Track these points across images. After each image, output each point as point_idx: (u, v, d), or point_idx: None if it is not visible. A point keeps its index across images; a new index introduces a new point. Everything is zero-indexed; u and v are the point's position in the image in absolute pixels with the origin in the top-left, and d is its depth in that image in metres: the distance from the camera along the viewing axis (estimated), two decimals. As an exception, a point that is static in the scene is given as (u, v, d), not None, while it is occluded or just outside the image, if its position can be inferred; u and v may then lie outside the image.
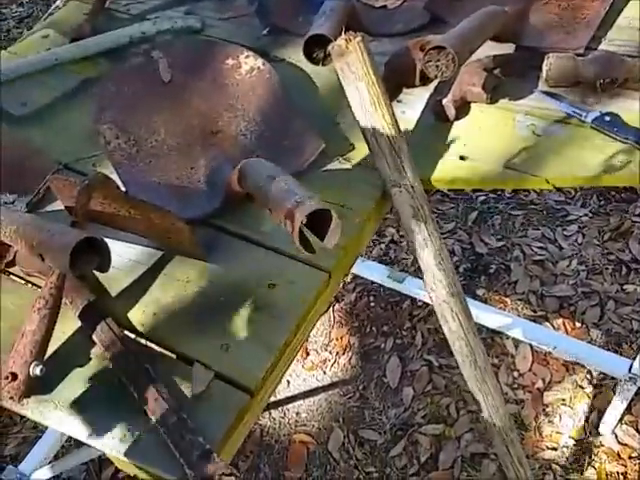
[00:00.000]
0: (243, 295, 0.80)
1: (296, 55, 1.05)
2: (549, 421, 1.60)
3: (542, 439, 1.58)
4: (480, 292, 1.85)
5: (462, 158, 0.90)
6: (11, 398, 0.71)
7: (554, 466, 1.54)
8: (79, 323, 0.78)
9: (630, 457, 1.52)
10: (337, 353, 1.82)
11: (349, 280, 1.96)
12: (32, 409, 0.73)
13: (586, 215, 1.95)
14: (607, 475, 1.50)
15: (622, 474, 1.49)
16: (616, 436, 1.54)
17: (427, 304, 1.79)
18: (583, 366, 1.62)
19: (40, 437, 1.56)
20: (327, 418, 1.71)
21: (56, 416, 0.73)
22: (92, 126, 0.96)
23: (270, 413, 1.74)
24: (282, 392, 1.78)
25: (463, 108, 0.94)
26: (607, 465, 1.52)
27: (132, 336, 0.77)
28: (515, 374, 1.69)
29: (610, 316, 1.74)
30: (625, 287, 1.79)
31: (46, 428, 1.53)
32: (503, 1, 1.04)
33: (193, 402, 0.71)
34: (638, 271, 1.81)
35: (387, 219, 2.02)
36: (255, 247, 0.85)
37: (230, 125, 0.98)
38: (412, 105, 0.97)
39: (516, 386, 1.67)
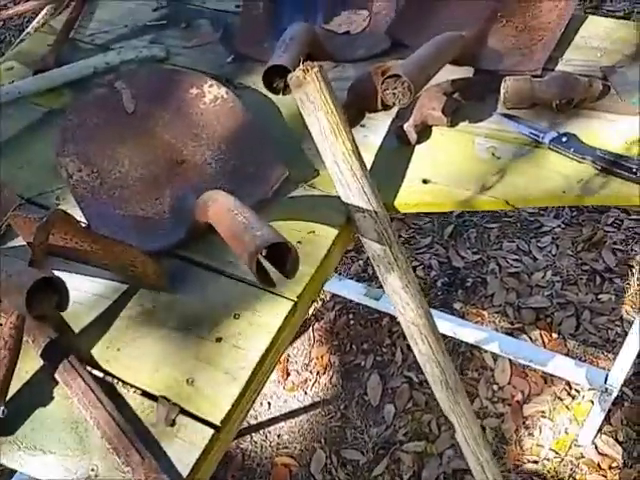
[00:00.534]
0: (209, 326, 0.80)
1: (261, 82, 1.05)
2: (529, 434, 1.61)
3: (523, 452, 1.59)
4: (457, 306, 1.86)
5: (425, 182, 0.91)
6: (-28, 441, 0.70)
7: (535, 479, 1.54)
8: (42, 362, 0.77)
9: (610, 467, 1.53)
10: (318, 372, 1.82)
11: (328, 299, 1.96)
12: (-6, 451, 0.72)
13: (559, 226, 1.97)
14: (588, 486, 1.51)
15: (603, 485, 1.50)
16: (596, 447, 1.55)
17: (405, 320, 1.79)
18: (561, 378, 1.63)
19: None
20: (309, 439, 1.70)
21: (19, 457, 0.71)
22: (54, 159, 0.96)
23: (251, 436, 1.73)
24: (263, 414, 1.77)
25: (424, 132, 0.95)
26: (588, 476, 1.52)
27: (96, 373, 0.77)
28: (495, 387, 1.70)
29: (586, 326, 1.76)
30: (600, 297, 1.81)
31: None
32: (462, 24, 1.05)
33: (158, 438, 0.71)
34: (612, 280, 1.83)
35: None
36: (221, 277, 0.85)
37: (195, 154, 0.98)
38: (375, 130, 0.98)
39: (496, 399, 1.68)
